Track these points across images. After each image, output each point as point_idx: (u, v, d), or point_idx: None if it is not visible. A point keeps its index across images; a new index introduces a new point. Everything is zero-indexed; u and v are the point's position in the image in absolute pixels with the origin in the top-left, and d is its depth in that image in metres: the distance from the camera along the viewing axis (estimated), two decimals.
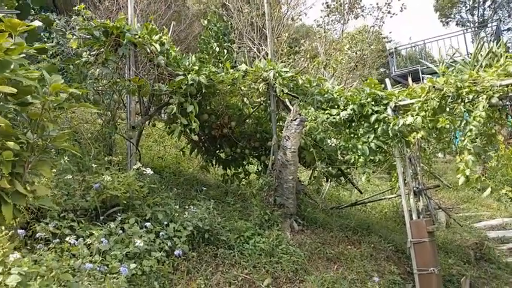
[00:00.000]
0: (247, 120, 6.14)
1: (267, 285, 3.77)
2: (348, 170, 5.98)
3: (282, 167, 5.14)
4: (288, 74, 5.29)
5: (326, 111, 5.28)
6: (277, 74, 5.24)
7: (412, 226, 4.79)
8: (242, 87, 5.53)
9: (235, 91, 5.57)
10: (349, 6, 13.22)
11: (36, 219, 3.38)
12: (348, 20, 12.92)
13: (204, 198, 4.58)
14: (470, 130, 4.05)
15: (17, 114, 2.35)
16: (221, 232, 4.21)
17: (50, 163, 2.48)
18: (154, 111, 5.70)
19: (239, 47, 12.15)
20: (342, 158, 5.49)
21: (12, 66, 2.23)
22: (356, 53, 11.73)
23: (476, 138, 4.08)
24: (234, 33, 12.23)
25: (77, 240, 3.11)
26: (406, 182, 5.16)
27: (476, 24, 21.45)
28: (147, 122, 5.93)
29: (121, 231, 3.51)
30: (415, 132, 4.89)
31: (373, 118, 5.00)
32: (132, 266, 3.16)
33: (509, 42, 21.78)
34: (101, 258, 3.04)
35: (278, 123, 5.73)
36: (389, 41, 15.56)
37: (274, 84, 5.29)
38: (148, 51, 4.94)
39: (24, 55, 2.45)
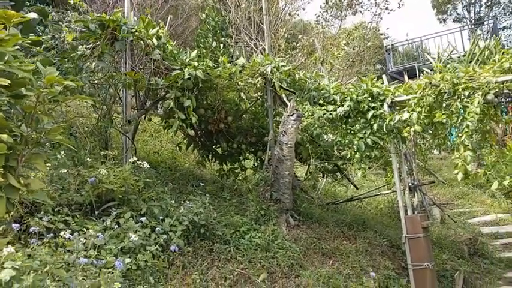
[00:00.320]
0: (244, 115, 6.12)
1: (262, 280, 3.78)
2: (344, 165, 5.99)
3: (278, 162, 5.13)
4: (285, 68, 5.27)
5: (323, 107, 5.27)
6: (275, 69, 5.21)
7: (407, 221, 4.82)
8: (239, 82, 5.50)
9: (232, 86, 5.54)
10: (348, 2, 13.18)
11: (30, 213, 3.35)
12: (346, 16, 12.88)
13: (200, 193, 4.57)
14: (467, 126, 4.06)
15: (11, 106, 2.32)
16: (217, 227, 4.20)
17: (44, 156, 2.46)
18: (150, 105, 5.66)
19: (236, 42, 12.09)
20: (338, 154, 5.50)
21: (6, 58, 2.20)
22: (353, 49, 11.71)
23: (473, 134, 4.09)
24: (232, 28, 12.16)
25: (71, 234, 3.09)
26: (401, 178, 5.17)
27: (473, 21, 21.49)
28: (143, 116, 5.90)
29: (116, 226, 3.49)
30: (409, 127, 4.89)
31: (369, 114, 5.00)
32: (127, 260, 3.15)
33: (505, 40, 21.86)
34: (95, 253, 3.03)
35: (275, 119, 5.71)
36: (387, 38, 15.56)
37: (272, 79, 5.27)
38: (145, 45, 4.90)
39: (19, 47, 2.42)
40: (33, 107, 2.31)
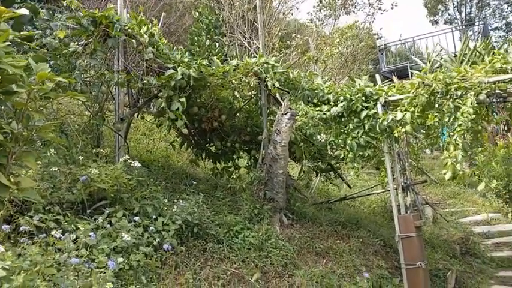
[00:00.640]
0: (237, 114, 6.10)
1: (256, 280, 3.77)
2: (337, 165, 6.01)
3: (272, 161, 5.12)
4: (279, 69, 5.26)
5: (317, 107, 5.27)
6: (269, 68, 5.20)
7: (400, 221, 4.84)
8: (233, 81, 5.48)
9: (226, 84, 5.52)
10: (341, 2, 13.22)
11: (20, 212, 3.29)
12: (340, 15, 12.93)
13: (194, 192, 4.54)
14: (460, 125, 4.09)
15: (1, 103, 2.27)
16: (210, 226, 4.17)
17: (35, 154, 2.41)
18: (143, 103, 5.61)
19: (230, 41, 12.06)
20: (331, 153, 5.51)
21: None
22: (346, 49, 11.76)
23: (465, 134, 4.13)
24: (225, 27, 12.13)
25: (63, 234, 3.04)
26: (394, 177, 5.20)
27: (464, 22, 21.72)
28: (135, 115, 5.84)
29: (108, 225, 3.44)
30: (401, 127, 4.92)
31: (363, 114, 5.01)
32: (120, 260, 3.11)
33: (496, 42, 22.14)
34: (87, 253, 2.99)
35: (269, 118, 5.70)
36: (380, 37, 15.66)
37: (266, 78, 5.25)
38: (137, 42, 4.85)
39: (10, 43, 2.37)
40: (24, 103, 2.26)
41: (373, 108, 5.14)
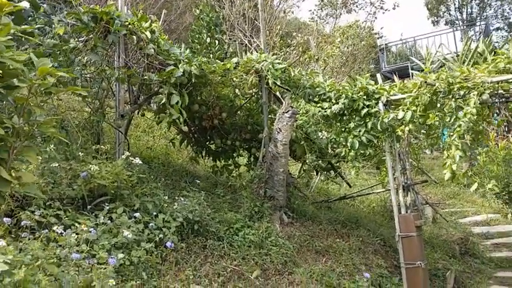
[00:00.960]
0: (238, 112, 6.09)
1: (256, 277, 3.76)
2: (338, 163, 6.01)
3: (272, 159, 5.12)
4: (280, 65, 5.25)
5: (318, 105, 5.26)
6: (270, 66, 5.19)
7: (401, 220, 4.84)
8: (234, 78, 5.47)
9: (226, 82, 5.51)
10: (343, 1, 13.20)
11: (21, 207, 3.28)
12: (341, 14, 12.91)
13: (194, 190, 4.53)
14: (460, 126, 4.08)
15: (3, 98, 2.25)
16: (211, 223, 4.18)
17: (36, 149, 2.40)
18: (143, 100, 5.59)
19: (230, 39, 12.03)
20: (332, 152, 5.50)
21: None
22: (347, 48, 11.74)
23: (464, 134, 4.12)
24: (226, 25, 12.10)
25: (64, 230, 3.04)
26: (395, 176, 5.20)
27: (465, 22, 21.71)
28: (136, 112, 5.83)
29: (109, 221, 3.44)
30: (403, 126, 4.92)
31: (363, 112, 5.01)
32: (120, 256, 3.11)
33: (496, 42, 22.13)
34: (88, 248, 2.98)
35: (269, 116, 5.70)
36: (381, 37, 15.63)
37: (267, 76, 5.24)
38: (138, 39, 4.83)
39: (11, 37, 2.36)
40: (25, 98, 2.25)
41: (374, 107, 5.13)
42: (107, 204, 3.65)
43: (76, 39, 4.80)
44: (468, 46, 7.98)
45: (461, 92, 4.21)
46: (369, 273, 4.35)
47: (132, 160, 4.24)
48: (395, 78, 5.86)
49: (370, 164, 5.88)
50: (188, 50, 5.34)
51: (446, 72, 4.52)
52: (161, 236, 3.57)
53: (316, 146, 5.43)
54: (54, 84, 2.48)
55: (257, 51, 6.04)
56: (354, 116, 5.23)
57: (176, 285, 3.23)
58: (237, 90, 5.81)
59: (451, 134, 4.24)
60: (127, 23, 4.83)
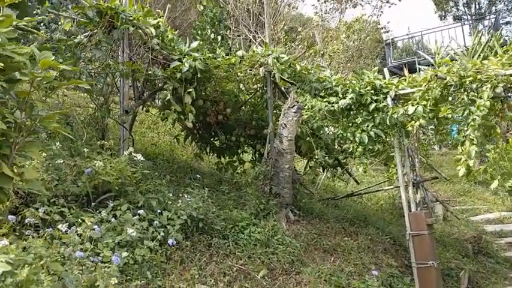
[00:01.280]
0: (242, 107, 6.00)
1: (262, 277, 3.69)
2: (345, 160, 5.91)
3: (278, 155, 5.04)
4: (285, 58, 5.15)
5: (324, 100, 5.16)
6: (276, 60, 5.09)
7: (411, 218, 4.73)
8: (239, 73, 5.38)
9: (231, 77, 5.43)
10: None
11: (26, 204, 3.24)
12: (346, 8, 12.74)
13: (198, 187, 4.47)
14: (474, 120, 3.97)
15: (5, 92, 2.19)
16: (215, 221, 4.11)
17: (39, 145, 2.34)
18: (147, 96, 5.54)
19: (234, 34, 11.93)
20: (339, 148, 5.41)
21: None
22: (353, 42, 11.58)
23: (479, 128, 4.01)
24: (230, 20, 12.00)
25: (68, 227, 2.99)
26: (404, 173, 5.09)
27: (474, 16, 21.39)
28: (140, 108, 5.77)
29: (113, 219, 3.39)
30: (413, 121, 4.81)
31: (372, 107, 4.90)
32: (124, 254, 3.06)
33: (507, 36, 21.79)
34: (92, 246, 2.93)
35: (274, 111, 5.60)
36: (387, 31, 15.43)
37: (272, 70, 5.14)
38: (143, 34, 4.76)
39: (18, 31, 2.30)
40: (27, 92, 2.18)
41: (382, 102, 5.02)
42: (111, 201, 3.60)
43: (81, 34, 4.75)
44: (479, 39, 7.81)
45: (474, 85, 4.10)
46: (379, 272, 4.26)
47: (135, 156, 4.19)
48: (406, 71, 5.73)
49: (377, 160, 5.76)
50: (195, 44, 5.25)
51: (457, 65, 4.40)
52: (165, 234, 3.51)
53: (322, 142, 5.33)
54: (57, 78, 2.42)
55: (262, 46, 5.94)
56: (362, 111, 5.13)
57: (181, 285, 3.18)
58: (241, 85, 5.72)
59: (465, 128, 4.12)
60: (132, 18, 4.77)
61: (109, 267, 2.65)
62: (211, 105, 5.56)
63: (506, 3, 22.12)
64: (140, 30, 4.77)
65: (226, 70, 5.22)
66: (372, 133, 4.95)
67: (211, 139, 6.16)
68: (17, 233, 2.87)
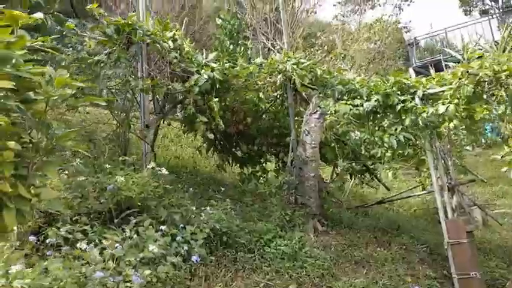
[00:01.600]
0: (263, 116, 5.90)
1: None
2: (373, 165, 5.65)
3: (302, 163, 4.87)
4: (306, 63, 5.01)
5: (348, 103, 4.96)
6: (295, 65, 4.96)
7: (449, 225, 4.41)
8: (258, 82, 5.29)
9: (250, 86, 5.35)
10: None
11: (49, 223, 3.24)
12: (365, 10, 12.49)
13: (222, 199, 4.36)
14: None
15: (21, 112, 2.17)
16: (240, 234, 3.98)
17: (57, 164, 2.30)
18: (168, 109, 5.54)
19: (254, 44, 11.94)
20: (366, 153, 5.17)
21: (14, 61, 2.06)
22: (375, 43, 11.29)
23: None
24: (248, 30, 12.03)
25: (89, 245, 2.94)
26: (438, 176, 4.79)
27: (502, 10, 20.48)
28: (162, 121, 5.77)
29: (135, 235, 3.32)
30: (446, 122, 4.52)
31: (398, 108, 4.65)
32: (147, 272, 2.97)
33: None
34: (114, 265, 2.87)
35: (296, 118, 5.46)
36: (409, 30, 14.99)
37: (292, 76, 5.01)
38: (161, 48, 4.78)
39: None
40: (43, 111, 2.15)
41: (410, 102, 4.76)
42: (134, 217, 3.54)
43: (102, 52, 4.82)
44: (508, 33, 7.38)
45: (511, 80, 3.80)
46: (417, 285, 3.97)
47: (159, 170, 4.14)
48: (432, 70, 5.45)
49: (409, 164, 5.47)
50: (213, 55, 5.23)
51: (489, 59, 4.11)
52: (189, 249, 3.41)
53: (348, 148, 5.12)
54: (73, 95, 2.39)
55: (280, 53, 5.83)
56: (389, 113, 4.88)
57: None
58: (261, 94, 5.62)
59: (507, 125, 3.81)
60: (149, 33, 4.79)
61: (131, 287, 2.57)
62: (231, 116, 5.49)
63: None
64: (158, 45, 4.78)
65: (245, 79, 5.15)
66: (400, 137, 4.69)
67: (233, 149, 6.08)
68: (39, 253, 2.85)
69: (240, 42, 11.02)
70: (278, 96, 5.68)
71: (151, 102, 5.39)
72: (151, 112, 5.35)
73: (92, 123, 5.26)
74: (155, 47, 4.82)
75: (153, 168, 4.14)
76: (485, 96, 4.05)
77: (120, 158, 4.46)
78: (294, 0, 11.81)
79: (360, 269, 4.18)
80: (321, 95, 5.06)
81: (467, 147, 10.86)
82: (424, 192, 6.23)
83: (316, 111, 4.76)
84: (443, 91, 4.65)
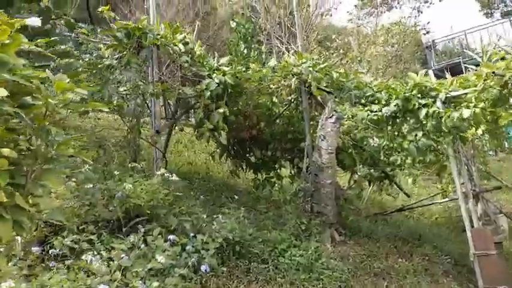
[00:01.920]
0: (277, 120, 5.74)
1: None
2: (392, 171, 5.40)
3: (318, 170, 4.68)
4: (322, 65, 4.83)
5: (366, 108, 4.75)
6: (311, 68, 4.78)
7: (475, 235, 4.14)
8: (271, 85, 5.14)
9: (263, 89, 5.21)
10: None
11: (55, 232, 3.14)
12: (382, 12, 12.21)
13: (234, 207, 4.21)
14: None
15: (18, 117, 2.07)
16: (253, 244, 3.82)
17: (57, 173, 2.18)
18: (179, 115, 5.45)
19: (269, 50, 11.82)
20: (385, 159, 4.93)
21: (10, 66, 1.96)
22: (392, 46, 11.00)
23: None
24: (262, 34, 11.94)
25: (95, 256, 2.83)
26: (462, 183, 4.52)
27: None
28: (174, 127, 5.68)
29: (143, 245, 3.19)
30: (473, 128, 4.26)
31: (422, 113, 4.40)
32: (155, 284, 2.83)
33: None
34: (120, 277, 2.74)
35: (311, 123, 5.27)
36: (427, 32, 14.61)
37: (307, 80, 4.83)
38: (172, 51, 4.69)
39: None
40: (41, 117, 2.04)
41: (431, 106, 4.52)
42: (142, 225, 3.42)
43: (110, 56, 4.77)
44: None
45: None
46: None
47: (169, 177, 4.02)
48: (448, 75, 5.18)
49: (431, 171, 5.20)
50: (225, 59, 5.12)
51: None
52: (199, 259, 3.26)
53: (366, 154, 4.89)
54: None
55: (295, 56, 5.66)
56: (409, 118, 4.65)
57: None
58: (274, 98, 5.46)
59: None
60: (160, 37, 4.71)
61: None
62: (244, 120, 5.35)
63: None
64: (169, 48, 4.70)
65: (258, 82, 5.01)
66: (420, 143, 4.45)
67: (247, 155, 5.93)
68: (43, 264, 2.75)
69: (253, 46, 10.93)
70: (292, 100, 5.51)
71: (163, 107, 5.31)
72: (162, 117, 5.26)
73: (102, 128, 5.19)
74: (166, 50, 4.74)
75: (163, 174, 4.02)
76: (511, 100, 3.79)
77: (130, 165, 4.37)
78: (309, 5, 11.66)
79: (380, 281, 3.96)
80: (336, 99, 4.87)
81: (490, 152, 10.43)
82: (446, 199, 5.92)
83: (332, 115, 4.57)
84: (466, 94, 4.40)
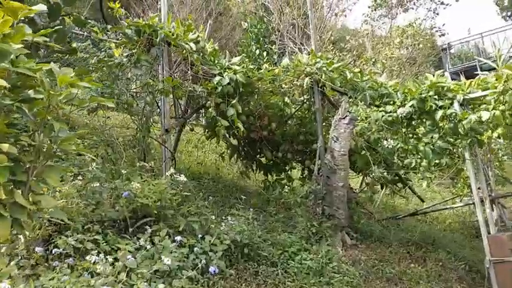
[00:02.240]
0: (289, 121, 5.64)
1: None
2: (406, 175, 5.24)
3: (330, 172, 4.55)
4: (337, 64, 4.71)
5: (380, 108, 4.61)
6: (325, 68, 4.66)
7: (491, 242, 3.98)
8: (283, 85, 5.04)
9: (275, 89, 5.11)
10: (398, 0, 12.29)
11: (59, 231, 3.09)
12: (397, 14, 11.99)
13: (244, 208, 4.12)
14: None
15: (20, 112, 2.01)
16: (262, 246, 3.73)
17: (59, 170, 2.13)
18: (189, 113, 5.38)
19: (281, 51, 11.72)
20: (399, 162, 4.77)
21: (12, 57, 1.91)
22: (407, 48, 10.77)
23: None
24: (275, 34, 11.85)
25: (99, 255, 2.77)
26: (479, 188, 4.34)
27: None
28: (184, 126, 5.62)
29: (150, 246, 3.12)
30: (490, 131, 4.09)
31: (438, 114, 4.25)
32: (160, 286, 2.76)
33: None
34: (125, 278, 2.67)
35: (324, 124, 5.15)
36: (443, 34, 14.30)
37: (320, 79, 4.72)
38: (183, 50, 4.63)
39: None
40: (44, 112, 1.98)
41: (449, 108, 4.36)
42: (149, 225, 3.35)
43: (120, 54, 4.73)
44: None
45: None
46: None
47: (178, 177, 3.95)
48: (463, 77, 5.01)
49: (447, 175, 5.03)
50: (238, 58, 5.05)
51: None
52: (207, 261, 3.17)
53: (380, 156, 4.74)
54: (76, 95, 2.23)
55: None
56: (425, 120, 4.49)
57: None
58: (286, 98, 5.35)
59: None
60: (171, 34, 4.66)
61: None
62: (255, 121, 5.26)
63: None
64: (180, 46, 4.64)
65: (270, 82, 4.92)
66: (436, 146, 4.30)
67: (257, 156, 5.84)
68: (47, 264, 2.70)
69: (266, 46, 10.86)
70: (305, 100, 5.40)
71: (172, 106, 5.25)
72: (172, 116, 5.20)
73: (111, 127, 5.15)
74: (177, 48, 4.68)
75: (172, 174, 3.96)
76: None
77: (138, 164, 4.31)
78: (323, 7, 11.53)
79: (392, 286, 3.84)
80: (350, 99, 4.74)
81: (505, 157, 10.12)
82: (461, 204, 5.73)
83: (346, 116, 4.44)
84: (485, 96, 4.23)
